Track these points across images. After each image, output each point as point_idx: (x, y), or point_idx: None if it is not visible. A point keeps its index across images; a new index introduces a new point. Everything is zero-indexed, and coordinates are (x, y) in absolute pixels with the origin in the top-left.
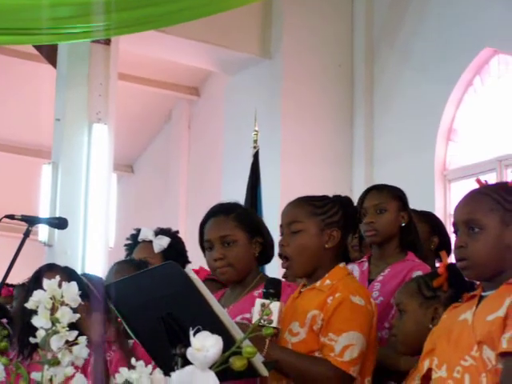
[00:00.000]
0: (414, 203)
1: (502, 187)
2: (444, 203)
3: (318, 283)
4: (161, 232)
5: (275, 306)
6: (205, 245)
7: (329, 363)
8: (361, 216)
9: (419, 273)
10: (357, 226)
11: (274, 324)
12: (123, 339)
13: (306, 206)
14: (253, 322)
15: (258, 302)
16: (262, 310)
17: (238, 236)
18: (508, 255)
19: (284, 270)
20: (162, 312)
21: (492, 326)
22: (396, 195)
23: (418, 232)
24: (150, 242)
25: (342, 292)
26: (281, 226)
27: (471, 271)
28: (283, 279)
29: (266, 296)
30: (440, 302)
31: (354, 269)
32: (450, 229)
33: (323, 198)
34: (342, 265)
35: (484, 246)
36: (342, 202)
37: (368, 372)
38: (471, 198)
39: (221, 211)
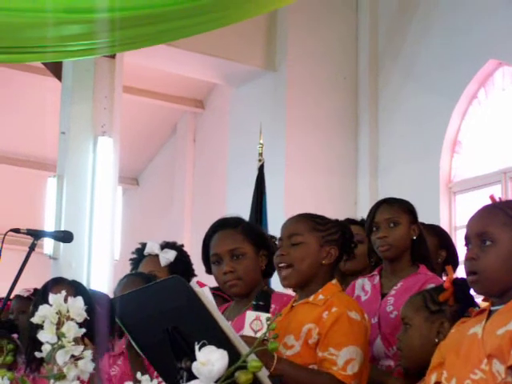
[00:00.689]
0: (419, 215)
1: None
2: (449, 215)
3: (311, 298)
4: (167, 246)
5: (265, 318)
6: (212, 259)
7: (333, 377)
8: (371, 230)
9: (432, 286)
10: (352, 250)
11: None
12: (134, 352)
13: (308, 221)
14: (244, 333)
15: (249, 314)
16: (256, 322)
17: (246, 249)
18: None
19: None
20: (168, 326)
21: (502, 339)
22: (407, 208)
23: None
24: (156, 255)
25: (339, 307)
26: (280, 239)
27: (481, 286)
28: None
29: (256, 309)
30: (446, 316)
31: (365, 283)
32: (456, 241)
33: (324, 217)
34: (334, 281)
35: (495, 260)
36: (341, 224)
37: None
38: (485, 212)
39: (227, 224)
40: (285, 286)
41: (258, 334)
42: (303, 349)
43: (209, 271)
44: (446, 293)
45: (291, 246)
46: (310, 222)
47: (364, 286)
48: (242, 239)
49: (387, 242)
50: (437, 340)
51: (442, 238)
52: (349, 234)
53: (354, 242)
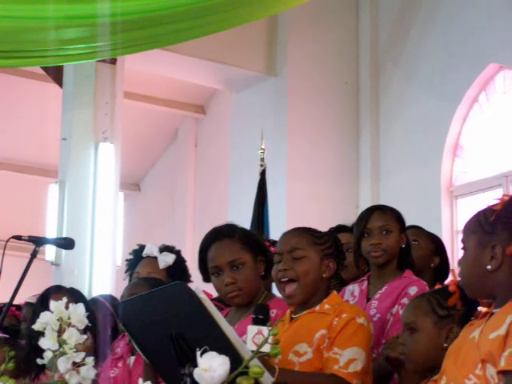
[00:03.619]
0: (421, 219)
1: (488, 209)
2: (451, 219)
3: (317, 307)
4: (166, 249)
5: (267, 332)
6: (211, 271)
7: (334, 375)
8: (362, 236)
9: (414, 288)
10: (343, 262)
11: (268, 349)
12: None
13: (307, 236)
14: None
15: (251, 329)
16: (258, 337)
17: (245, 258)
18: (492, 276)
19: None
20: (171, 331)
21: (493, 344)
22: (398, 217)
23: (421, 250)
24: (155, 258)
25: (348, 313)
26: (279, 253)
27: (466, 290)
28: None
29: (255, 322)
30: (454, 320)
31: (355, 288)
32: (458, 245)
33: (318, 231)
34: (335, 292)
35: (465, 267)
36: (333, 236)
37: None
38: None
39: (223, 235)
40: (290, 304)
41: (262, 349)
42: (315, 354)
43: (206, 280)
44: (454, 297)
45: (293, 261)
46: (310, 236)
47: (353, 291)
48: (240, 249)
49: (380, 248)
50: (446, 345)
51: (438, 244)
52: (340, 246)
53: (344, 254)
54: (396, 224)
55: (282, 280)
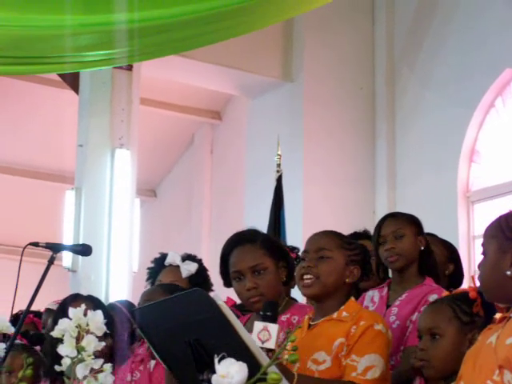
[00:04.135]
0: (437, 225)
1: (510, 214)
2: (467, 225)
3: (334, 315)
4: (188, 258)
5: (274, 329)
6: (233, 275)
7: (352, 383)
8: (379, 244)
9: (435, 296)
10: (369, 273)
11: (272, 345)
12: None
13: (336, 238)
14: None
15: (257, 324)
16: (263, 333)
17: (267, 263)
18: (511, 282)
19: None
20: (190, 338)
21: (510, 349)
22: (412, 220)
23: (436, 257)
24: (177, 266)
25: (366, 320)
26: (306, 251)
27: (485, 294)
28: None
29: (263, 318)
30: (476, 326)
31: (375, 294)
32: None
33: (349, 237)
34: (353, 299)
35: (484, 271)
36: (363, 246)
37: None
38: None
39: (245, 240)
40: (306, 294)
41: (266, 345)
42: (334, 363)
43: (227, 285)
44: (478, 304)
45: (318, 259)
46: (338, 239)
47: (373, 297)
48: (262, 254)
49: (395, 252)
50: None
51: (452, 252)
52: (368, 257)
53: (371, 265)
54: (410, 227)
55: (304, 277)
